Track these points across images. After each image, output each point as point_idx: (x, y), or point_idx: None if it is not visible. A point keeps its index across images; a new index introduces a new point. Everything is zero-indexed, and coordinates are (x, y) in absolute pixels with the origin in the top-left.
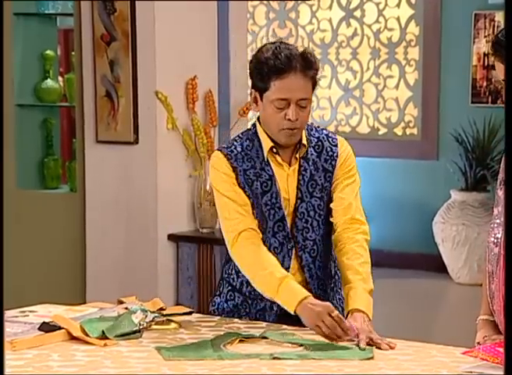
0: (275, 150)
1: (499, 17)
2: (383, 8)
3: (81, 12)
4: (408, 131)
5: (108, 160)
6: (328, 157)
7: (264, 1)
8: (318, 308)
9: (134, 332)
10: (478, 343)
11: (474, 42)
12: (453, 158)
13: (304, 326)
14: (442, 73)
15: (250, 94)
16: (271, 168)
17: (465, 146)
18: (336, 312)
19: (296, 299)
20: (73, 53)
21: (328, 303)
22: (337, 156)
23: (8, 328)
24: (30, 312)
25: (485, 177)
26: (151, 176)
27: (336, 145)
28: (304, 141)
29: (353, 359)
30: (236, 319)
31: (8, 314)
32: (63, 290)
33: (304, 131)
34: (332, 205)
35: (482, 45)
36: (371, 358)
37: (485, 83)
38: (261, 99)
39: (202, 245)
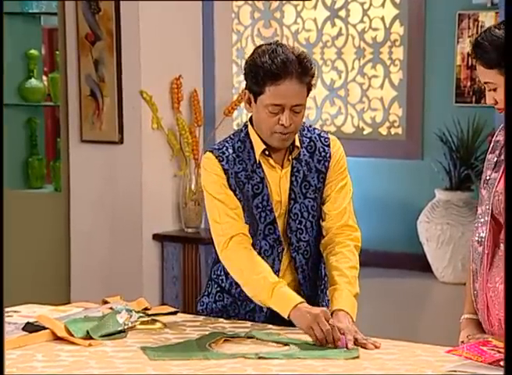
0: (267, 152)
1: (483, 17)
2: (368, 8)
3: (65, 12)
4: (393, 131)
5: (93, 160)
6: (321, 158)
7: (249, 1)
8: (316, 311)
9: (119, 332)
10: (462, 342)
11: (458, 42)
12: (437, 157)
13: (290, 326)
14: (427, 72)
15: (244, 94)
16: (262, 170)
17: (449, 146)
18: (332, 320)
19: (291, 303)
20: (58, 52)
21: (325, 308)
22: (330, 157)
23: None
24: (14, 312)
25: (469, 177)
26: (136, 176)
27: (328, 145)
28: (297, 143)
29: (339, 359)
30: (221, 319)
31: None
32: (48, 290)
33: None
34: (324, 208)
35: (466, 45)
36: (357, 357)
37: (469, 83)
38: (255, 102)
39: (187, 245)
